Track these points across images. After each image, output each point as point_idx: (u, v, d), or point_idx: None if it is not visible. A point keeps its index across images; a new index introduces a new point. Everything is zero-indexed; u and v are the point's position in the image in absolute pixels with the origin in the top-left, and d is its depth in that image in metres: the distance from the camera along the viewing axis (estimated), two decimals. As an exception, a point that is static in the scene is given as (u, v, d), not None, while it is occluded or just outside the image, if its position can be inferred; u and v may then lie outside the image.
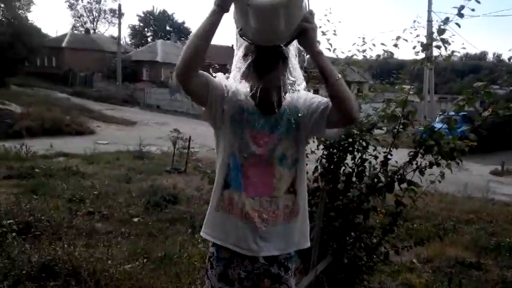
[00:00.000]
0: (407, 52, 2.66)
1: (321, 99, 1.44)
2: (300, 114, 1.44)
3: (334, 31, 2.78)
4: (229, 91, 1.42)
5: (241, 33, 1.35)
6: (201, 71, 1.36)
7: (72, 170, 6.92)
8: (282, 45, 1.34)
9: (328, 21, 2.75)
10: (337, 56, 2.90)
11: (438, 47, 2.38)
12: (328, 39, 2.78)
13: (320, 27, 2.75)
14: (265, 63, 1.35)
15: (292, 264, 1.53)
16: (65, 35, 35.93)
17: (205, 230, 1.53)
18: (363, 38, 2.78)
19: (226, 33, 1.76)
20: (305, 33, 1.30)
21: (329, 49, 2.83)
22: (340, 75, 1.32)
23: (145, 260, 3.24)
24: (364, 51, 2.79)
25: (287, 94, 1.45)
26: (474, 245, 4.13)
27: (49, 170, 6.61)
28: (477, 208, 5.72)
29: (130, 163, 8.30)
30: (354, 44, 2.82)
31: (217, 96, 1.41)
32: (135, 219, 4.51)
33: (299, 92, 1.45)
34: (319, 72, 1.35)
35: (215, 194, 1.50)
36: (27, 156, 8.17)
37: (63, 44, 33.53)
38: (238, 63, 1.39)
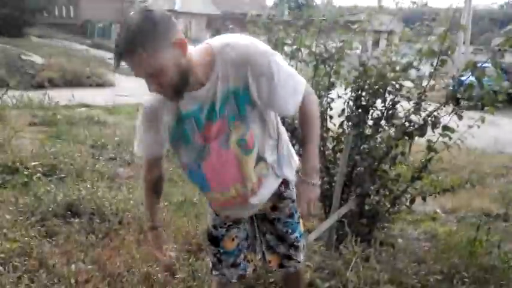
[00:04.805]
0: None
1: (284, 106, 1.27)
2: (251, 98, 1.23)
3: None
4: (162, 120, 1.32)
5: None
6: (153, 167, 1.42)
7: (93, 119, 7.01)
8: None
9: None
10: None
11: None
12: None
13: None
14: None
15: (292, 180, 1.45)
16: (82, -17, 35.09)
17: None
18: None
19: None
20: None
21: None
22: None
23: (165, 203, 3.28)
24: None
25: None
26: (502, 198, 3.99)
27: (71, 118, 6.71)
28: (507, 162, 5.50)
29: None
30: None
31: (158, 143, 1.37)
32: (156, 166, 4.54)
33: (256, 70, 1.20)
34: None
35: None
36: (50, 106, 8.30)
37: (80, -7, 32.88)
38: None
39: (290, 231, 1.49)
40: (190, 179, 1.39)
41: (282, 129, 1.43)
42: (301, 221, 1.54)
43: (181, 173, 4.39)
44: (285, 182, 1.44)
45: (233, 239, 1.49)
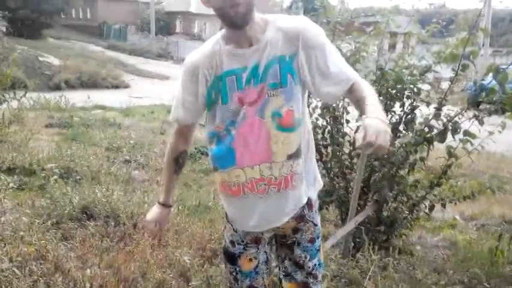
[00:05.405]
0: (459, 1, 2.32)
1: (337, 81, 1.23)
2: (295, 70, 1.23)
3: None
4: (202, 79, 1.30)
5: None
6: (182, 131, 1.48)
7: (109, 121, 7.09)
8: None
9: None
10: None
11: None
12: None
13: None
14: None
15: (315, 201, 1.40)
16: (98, -15, 35.63)
17: None
18: None
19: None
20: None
21: None
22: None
23: (180, 207, 3.28)
24: None
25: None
26: (524, 205, 3.88)
27: (87, 121, 6.81)
28: (528, 167, 5.35)
29: (165, 116, 8.37)
30: None
31: (198, 104, 1.35)
32: (170, 169, 4.55)
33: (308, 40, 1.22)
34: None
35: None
36: (67, 107, 8.44)
37: (97, -5, 33.41)
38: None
39: (308, 257, 1.40)
40: (216, 151, 1.31)
41: (313, 147, 1.39)
42: (322, 250, 1.47)
43: (196, 177, 4.42)
44: (309, 204, 1.37)
45: (251, 260, 1.41)
